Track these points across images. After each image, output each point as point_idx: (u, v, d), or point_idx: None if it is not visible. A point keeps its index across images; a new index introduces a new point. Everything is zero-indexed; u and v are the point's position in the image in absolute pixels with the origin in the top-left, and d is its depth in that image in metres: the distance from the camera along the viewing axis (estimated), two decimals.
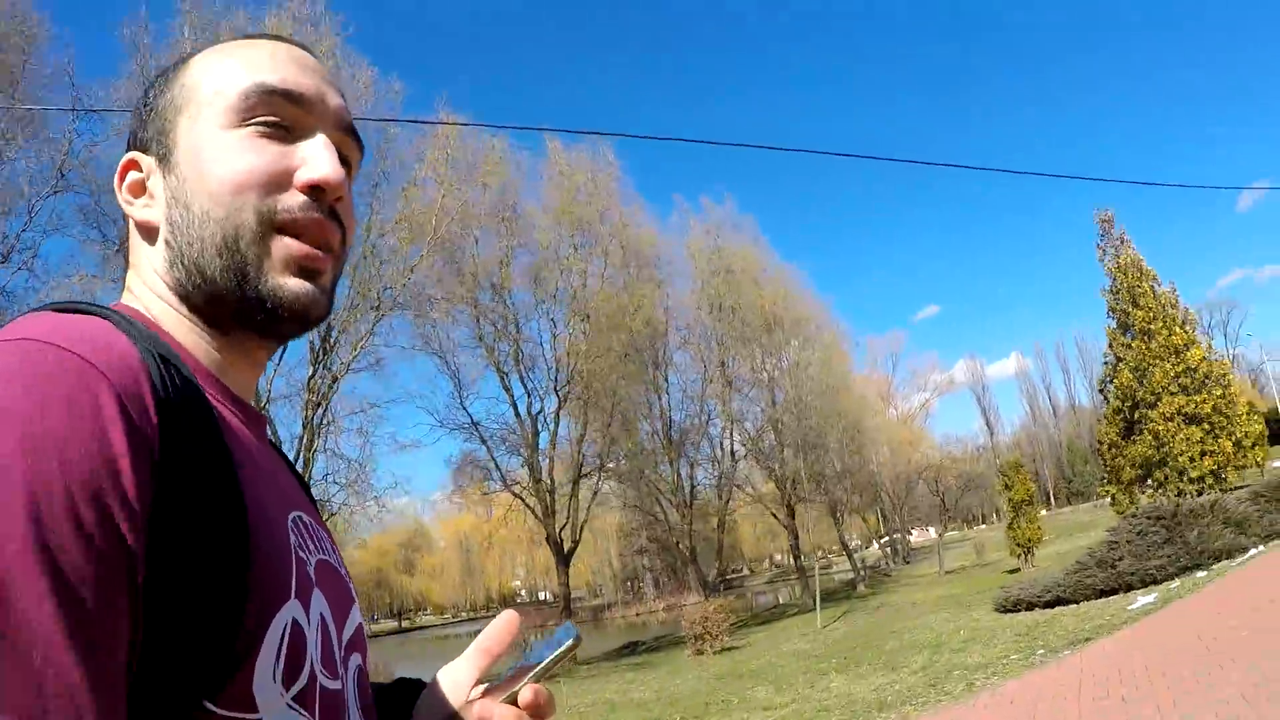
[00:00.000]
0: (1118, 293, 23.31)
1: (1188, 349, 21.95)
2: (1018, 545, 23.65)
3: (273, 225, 0.65)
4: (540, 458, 23.80)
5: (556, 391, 24.60)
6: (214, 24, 18.00)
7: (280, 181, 0.65)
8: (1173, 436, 21.43)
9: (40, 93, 16.51)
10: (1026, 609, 13.23)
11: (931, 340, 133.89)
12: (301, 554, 0.62)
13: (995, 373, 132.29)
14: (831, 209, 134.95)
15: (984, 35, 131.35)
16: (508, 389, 24.24)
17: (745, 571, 74.42)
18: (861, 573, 36.04)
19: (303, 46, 0.73)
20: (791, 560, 37.93)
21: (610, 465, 26.14)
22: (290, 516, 0.64)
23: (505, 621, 0.77)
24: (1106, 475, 23.82)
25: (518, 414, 24.31)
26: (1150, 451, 21.94)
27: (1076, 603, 12.37)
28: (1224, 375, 21.90)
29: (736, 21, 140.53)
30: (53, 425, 0.46)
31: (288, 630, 0.56)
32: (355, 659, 0.68)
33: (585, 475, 25.21)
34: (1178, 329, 22.23)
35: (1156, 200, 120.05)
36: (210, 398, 0.60)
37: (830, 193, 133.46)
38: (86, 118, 16.54)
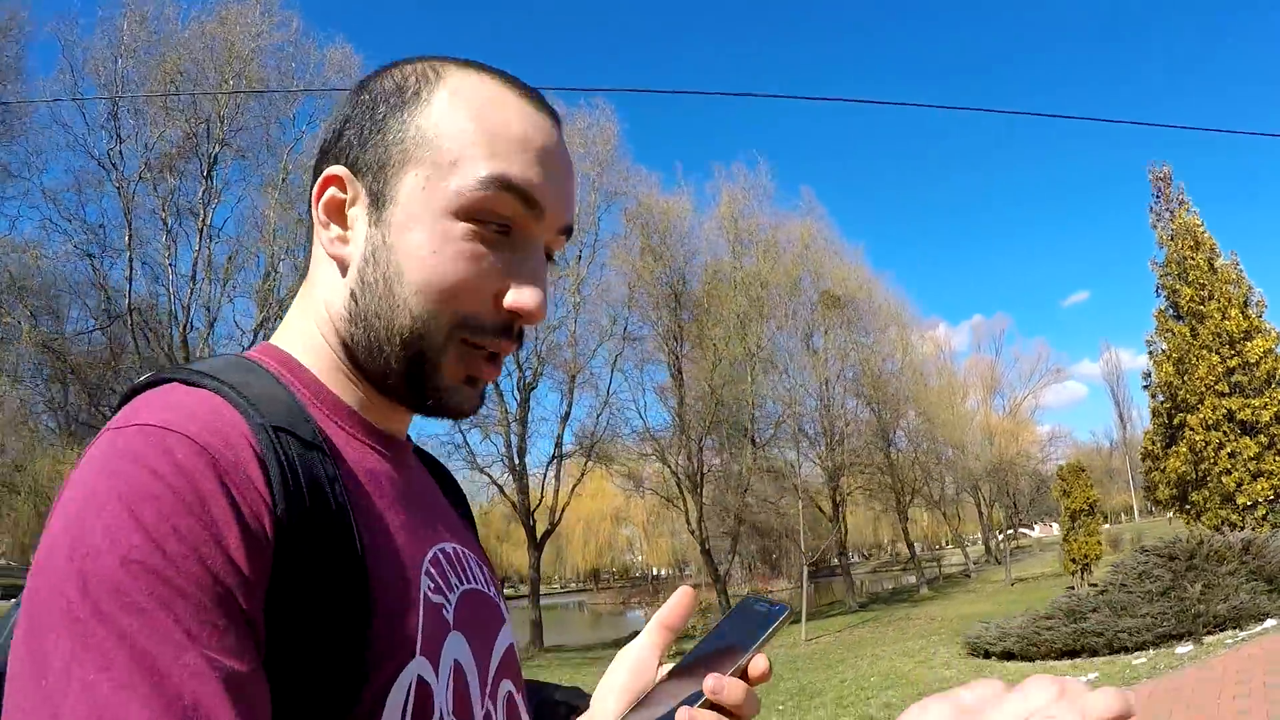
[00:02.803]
0: (1168, 265, 18.41)
1: (1248, 338, 16.71)
2: (1072, 561, 20.33)
3: (463, 333, 0.62)
4: (512, 435, 22.15)
5: (520, 366, 22.71)
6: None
7: (487, 295, 0.62)
8: (1215, 450, 16.44)
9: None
10: (984, 656, 10.64)
11: (1079, 328, 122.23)
12: (437, 598, 0.61)
13: (1143, 363, 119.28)
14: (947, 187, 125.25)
15: None
16: None
17: (856, 559, 71.33)
18: (925, 575, 32.61)
19: (552, 113, 0.66)
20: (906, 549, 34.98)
21: (599, 446, 24.08)
22: (429, 556, 0.62)
23: (684, 596, 0.70)
24: (1146, 493, 19.43)
25: (499, 390, 22.59)
26: (1185, 468, 16.94)
27: (1031, 659, 9.59)
28: None
29: None
30: (162, 522, 0.45)
31: (412, 691, 0.55)
32: (505, 685, 0.68)
33: (568, 455, 23.40)
34: (1234, 312, 16.96)
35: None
36: (349, 436, 0.62)
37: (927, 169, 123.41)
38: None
